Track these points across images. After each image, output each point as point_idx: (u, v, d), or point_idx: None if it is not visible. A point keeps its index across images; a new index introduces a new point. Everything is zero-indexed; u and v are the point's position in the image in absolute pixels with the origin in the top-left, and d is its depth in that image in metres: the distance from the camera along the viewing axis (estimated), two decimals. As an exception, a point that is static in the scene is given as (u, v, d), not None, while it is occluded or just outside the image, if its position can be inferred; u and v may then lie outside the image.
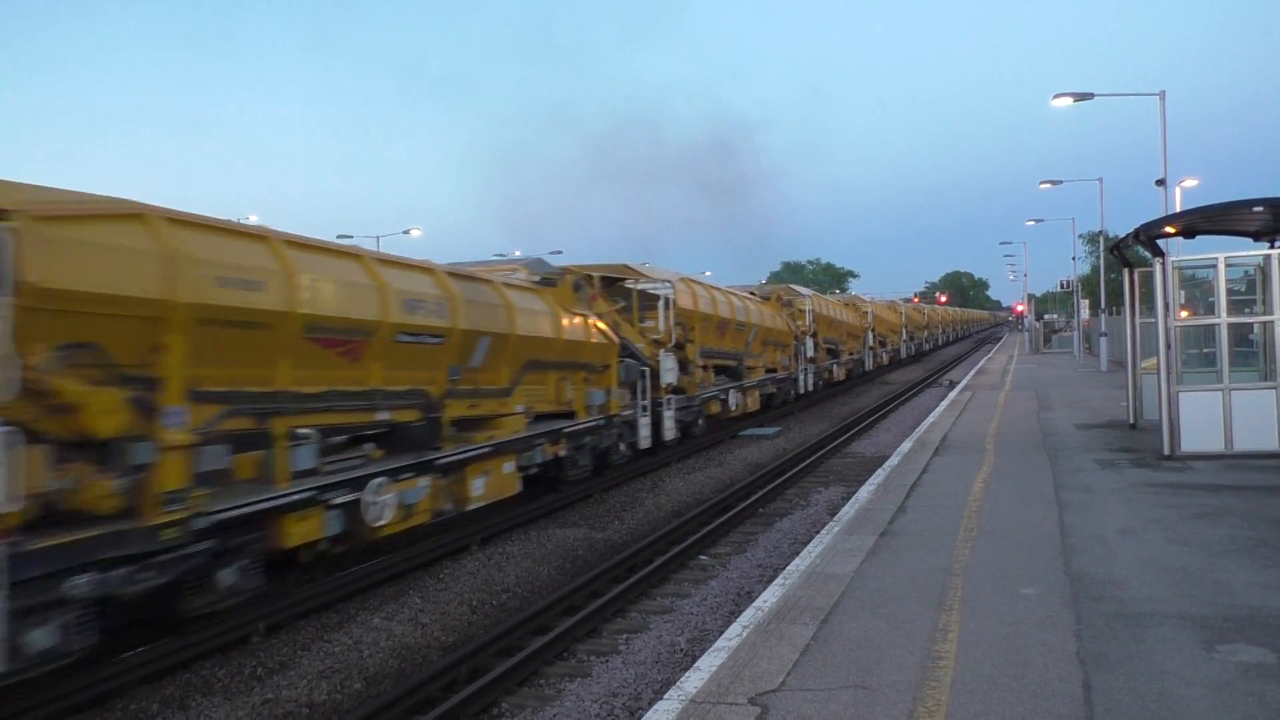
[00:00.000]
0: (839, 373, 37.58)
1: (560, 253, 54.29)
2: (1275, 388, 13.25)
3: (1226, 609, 6.75)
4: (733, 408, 23.72)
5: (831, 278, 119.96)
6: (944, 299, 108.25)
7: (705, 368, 22.09)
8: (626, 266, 20.09)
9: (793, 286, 34.95)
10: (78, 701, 7.31)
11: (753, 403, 25.61)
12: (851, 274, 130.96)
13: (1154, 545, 8.69)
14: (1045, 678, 5.60)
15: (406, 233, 51.18)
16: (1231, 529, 9.18)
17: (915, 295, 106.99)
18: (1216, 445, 13.39)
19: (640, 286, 20.17)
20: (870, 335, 44.35)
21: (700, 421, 21.58)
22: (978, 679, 5.61)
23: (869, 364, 44.22)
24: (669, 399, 19.23)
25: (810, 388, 32.19)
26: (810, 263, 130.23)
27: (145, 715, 7.31)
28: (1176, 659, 5.84)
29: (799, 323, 31.67)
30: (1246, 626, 6.36)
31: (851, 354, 40.69)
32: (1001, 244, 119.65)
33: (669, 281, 20.23)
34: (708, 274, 30.83)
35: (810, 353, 32.10)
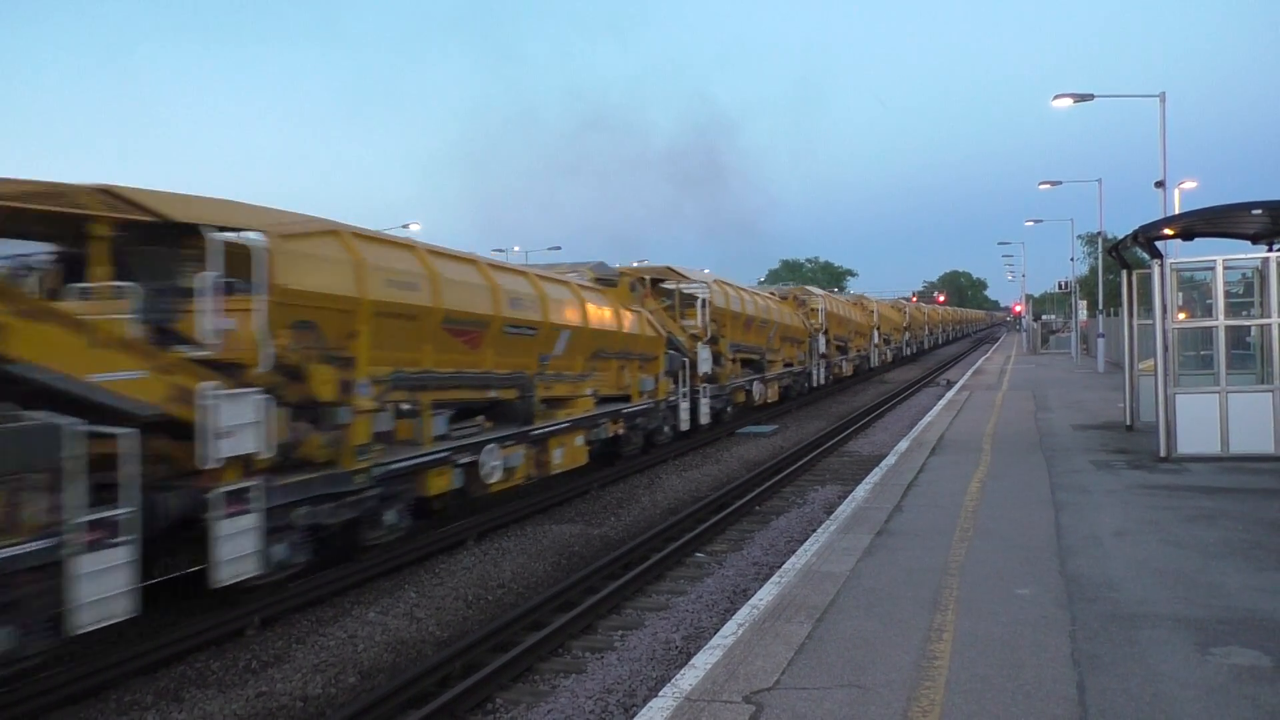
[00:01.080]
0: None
1: (559, 248, 54.23)
2: (1272, 391, 13.27)
3: (1221, 611, 6.76)
4: (756, 398, 25.86)
5: (830, 276, 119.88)
6: (942, 298, 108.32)
7: (734, 360, 24.33)
8: (669, 269, 22.27)
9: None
10: (72, 693, 7.31)
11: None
12: (850, 273, 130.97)
13: (1149, 547, 8.71)
14: (1040, 679, 5.61)
15: (405, 227, 51.22)
16: (1227, 531, 9.19)
17: (914, 294, 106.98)
18: (1213, 448, 13.40)
19: (680, 287, 22.12)
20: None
21: (729, 409, 23.54)
22: (972, 679, 5.62)
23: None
24: (704, 387, 21.44)
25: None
26: (809, 261, 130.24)
27: (140, 706, 7.31)
28: (1171, 661, 5.85)
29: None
30: (1241, 629, 6.37)
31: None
32: (1000, 244, 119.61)
33: (705, 283, 22.43)
34: (705, 271, 27.40)
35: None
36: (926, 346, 71.94)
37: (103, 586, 7.08)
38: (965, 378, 35.48)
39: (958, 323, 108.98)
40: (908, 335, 59.80)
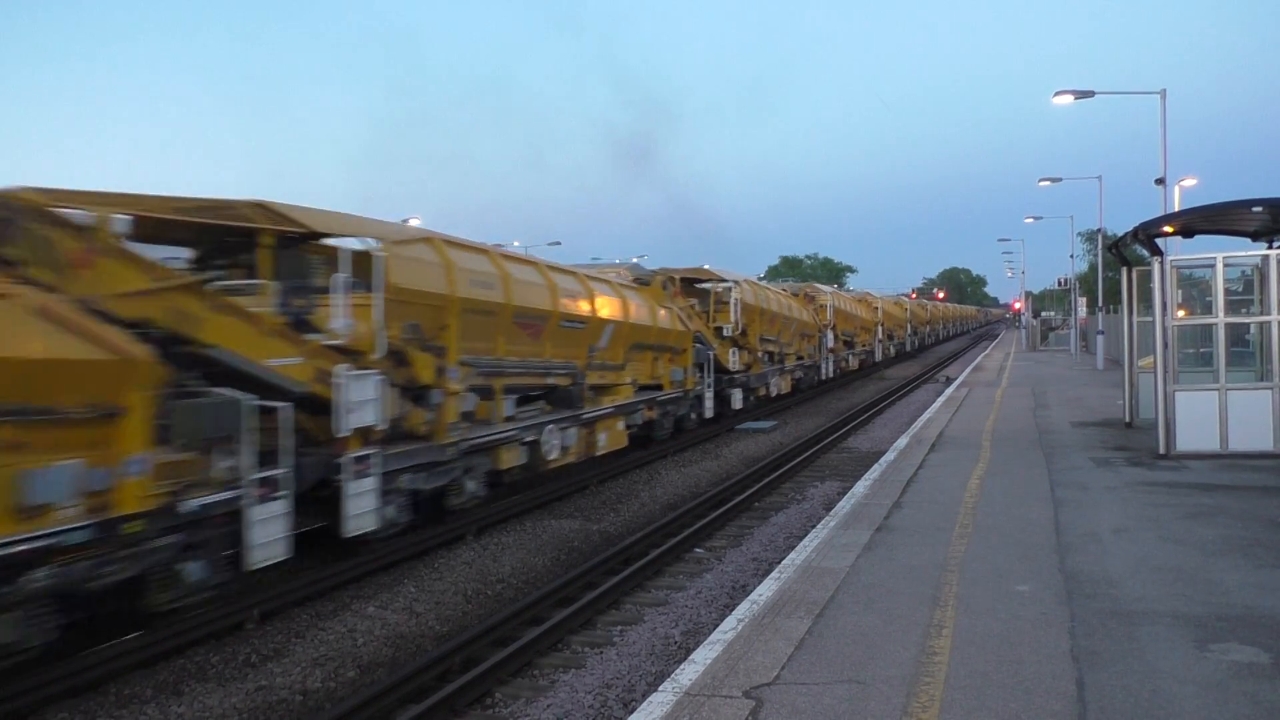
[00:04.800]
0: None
1: (559, 244, 54.30)
2: (1271, 388, 13.28)
3: (1220, 608, 6.77)
4: (774, 390, 27.57)
5: (829, 272, 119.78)
6: (941, 295, 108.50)
7: (759, 354, 25.95)
8: (705, 269, 24.22)
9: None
10: (72, 685, 7.31)
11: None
12: (849, 269, 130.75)
13: (1148, 544, 8.72)
14: (1039, 674, 5.62)
15: (406, 221, 51.19)
16: (1225, 529, 9.21)
17: (913, 291, 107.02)
18: (1212, 445, 13.41)
19: (714, 286, 23.92)
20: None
21: (753, 397, 25.73)
22: (972, 675, 5.63)
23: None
24: (734, 377, 23.56)
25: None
26: (808, 257, 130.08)
27: (139, 700, 7.31)
28: (1169, 658, 5.86)
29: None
30: (1239, 626, 6.38)
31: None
32: (1000, 241, 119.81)
33: (736, 282, 24.17)
34: (706, 267, 27.16)
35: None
36: (927, 343, 72.18)
37: (268, 532, 8.71)
38: (964, 374, 35.50)
39: (957, 319, 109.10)
40: (909, 330, 60.52)
